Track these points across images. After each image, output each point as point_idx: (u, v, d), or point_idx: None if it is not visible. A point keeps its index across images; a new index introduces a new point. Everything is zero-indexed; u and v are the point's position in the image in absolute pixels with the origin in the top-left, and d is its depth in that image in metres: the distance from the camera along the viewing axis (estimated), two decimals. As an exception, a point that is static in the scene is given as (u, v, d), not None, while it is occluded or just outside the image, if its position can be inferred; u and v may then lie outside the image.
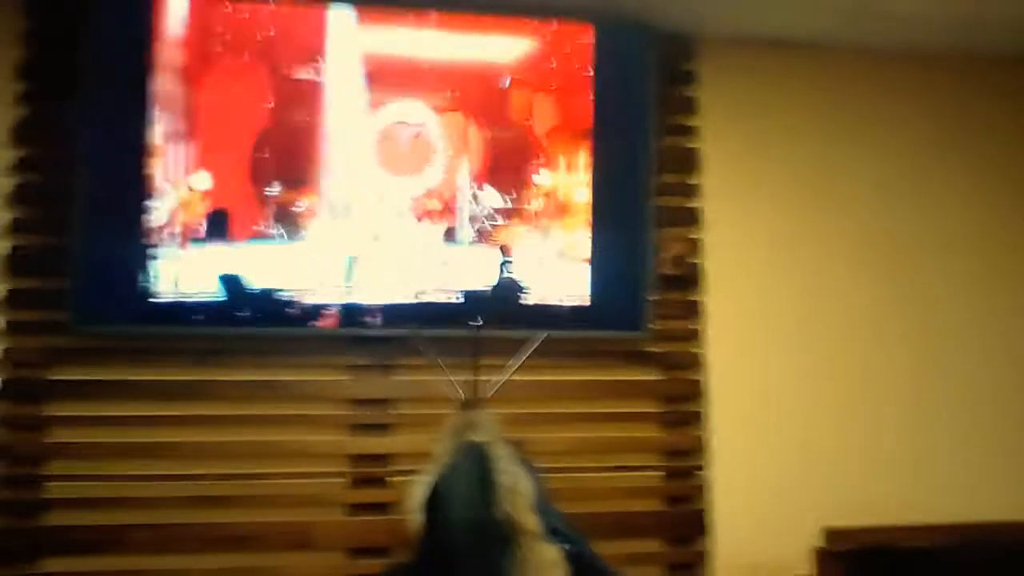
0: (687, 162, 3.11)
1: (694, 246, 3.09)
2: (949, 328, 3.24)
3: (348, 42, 2.83)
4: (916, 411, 3.18)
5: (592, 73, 2.94)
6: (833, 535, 3.02)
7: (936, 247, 3.26)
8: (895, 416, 3.17)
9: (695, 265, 3.08)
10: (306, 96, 2.81)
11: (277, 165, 2.80)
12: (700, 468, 3.03)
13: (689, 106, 3.12)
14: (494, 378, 2.42)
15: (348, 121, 2.84)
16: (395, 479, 2.81)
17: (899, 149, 3.26)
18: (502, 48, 2.92)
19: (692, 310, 3.08)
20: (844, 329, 3.17)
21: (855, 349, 3.17)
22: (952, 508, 3.11)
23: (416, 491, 2.30)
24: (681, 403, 3.05)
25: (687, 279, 3.07)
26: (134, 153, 2.72)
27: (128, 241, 2.71)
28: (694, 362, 3.07)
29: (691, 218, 3.10)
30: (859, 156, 3.23)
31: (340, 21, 2.83)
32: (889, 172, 3.25)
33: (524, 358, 2.42)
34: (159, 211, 2.72)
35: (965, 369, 3.23)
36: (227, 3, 2.77)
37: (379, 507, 2.83)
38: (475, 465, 2.23)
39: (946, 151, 3.29)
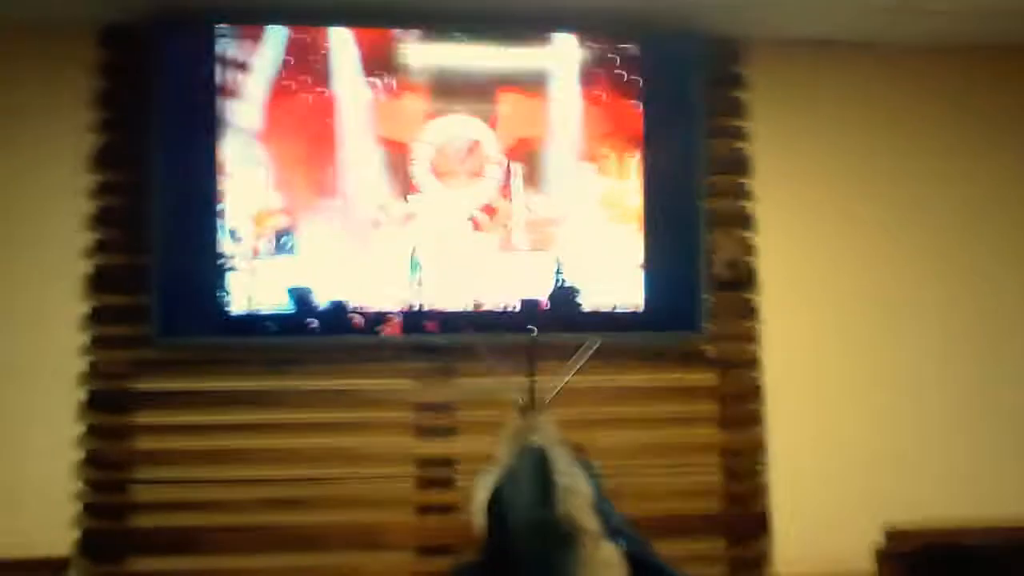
0: (738, 164, 3.14)
1: (747, 247, 3.12)
2: (1011, 322, 3.22)
3: (405, 57, 2.93)
4: (978, 408, 3.17)
5: (641, 79, 3.00)
6: (894, 535, 3.03)
7: (995, 242, 3.24)
8: (957, 413, 3.16)
9: (749, 266, 3.12)
10: (365, 112, 2.93)
11: (340, 180, 2.92)
12: (761, 467, 3.06)
13: (738, 108, 3.16)
14: (553, 382, 2.49)
15: (405, 135, 2.94)
16: (460, 481, 2.91)
17: (951, 145, 3.25)
18: (552, 57, 2.99)
19: (747, 310, 3.11)
20: (901, 326, 3.17)
21: (913, 346, 3.17)
22: (1016, 507, 3.10)
23: (479, 493, 2.38)
24: (739, 403, 3.09)
25: (741, 280, 3.10)
26: (206, 175, 2.85)
27: (203, 258, 2.84)
28: (751, 362, 3.10)
29: (744, 220, 3.13)
30: (909, 152, 3.23)
31: (395, 38, 2.93)
32: (942, 168, 3.24)
33: (580, 363, 2.49)
34: (231, 228, 2.86)
35: (1028, 364, 3.21)
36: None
37: (446, 508, 2.93)
38: (534, 467, 2.30)
39: (998, 144, 3.27)
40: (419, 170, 2.94)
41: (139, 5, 2.83)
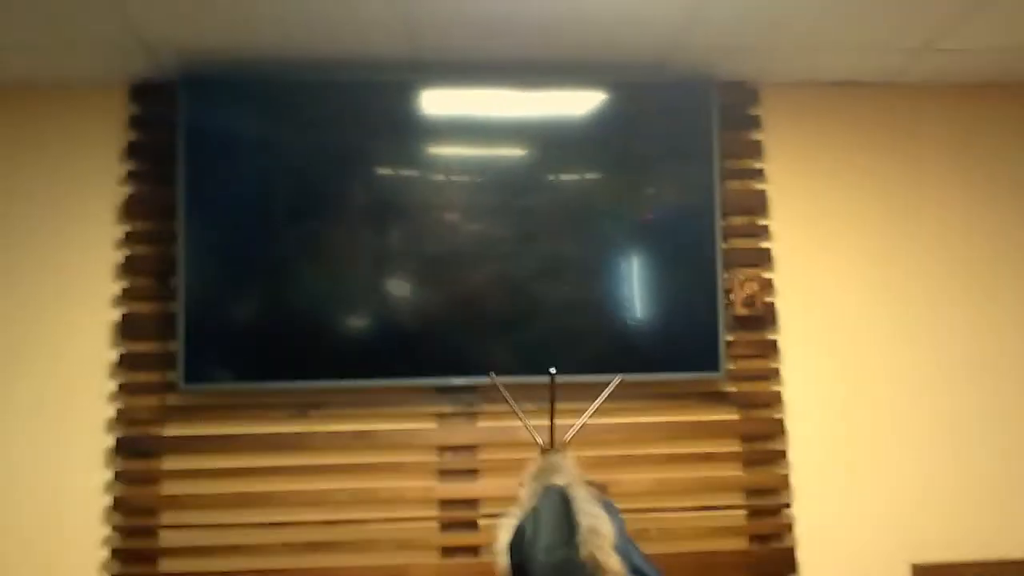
0: (755, 204, 3.17)
1: (766, 286, 3.14)
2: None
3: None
4: (1005, 443, 3.14)
5: (654, 122, 3.06)
6: (922, 572, 3.00)
7: (1018, 277, 3.24)
8: (983, 449, 3.13)
9: (769, 304, 3.13)
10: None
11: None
12: (787, 506, 3.05)
13: (755, 150, 3.19)
14: (573, 422, 2.51)
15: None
16: (484, 522, 2.92)
17: (972, 183, 3.26)
18: (564, 101, 3.06)
19: (768, 349, 3.12)
20: (924, 362, 3.16)
21: (938, 383, 3.16)
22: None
23: (502, 534, 2.40)
24: (762, 442, 3.08)
25: (761, 319, 3.11)
26: (232, 226, 2.94)
27: (228, 305, 2.92)
28: (774, 400, 3.10)
29: (762, 259, 3.15)
30: (929, 189, 3.24)
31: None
32: (962, 206, 3.24)
33: (601, 402, 2.51)
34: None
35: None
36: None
37: (470, 550, 2.94)
38: (557, 507, 2.31)
39: (1021, 181, 3.28)
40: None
41: (168, 62, 2.92)
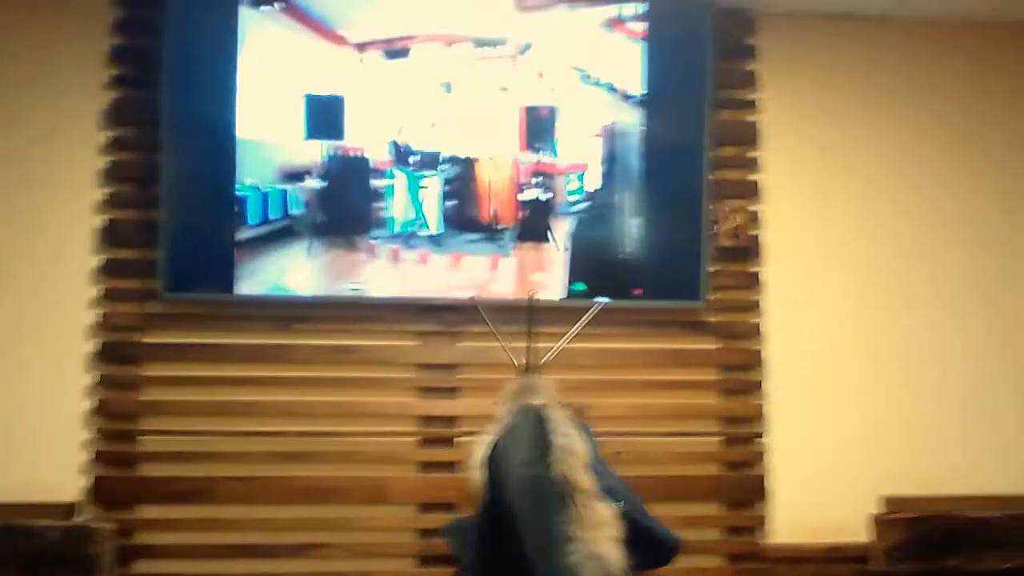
0: (746, 135, 3.15)
1: (753, 218, 3.14)
2: (1014, 296, 3.23)
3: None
4: (977, 380, 3.18)
5: (648, 47, 3.00)
6: (893, 503, 3.06)
7: (1003, 219, 3.24)
8: (955, 385, 3.18)
9: (754, 237, 3.13)
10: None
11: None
12: (760, 435, 3.09)
13: (749, 80, 3.16)
14: (553, 345, 2.53)
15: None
16: (461, 439, 2.96)
17: (962, 121, 3.24)
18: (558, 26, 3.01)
19: (751, 281, 3.13)
20: (903, 298, 3.18)
21: (915, 318, 3.18)
22: (1014, 479, 3.13)
23: (478, 451, 2.43)
24: (739, 371, 3.11)
25: (746, 251, 3.12)
26: (218, 132, 2.89)
27: (212, 214, 2.89)
28: (753, 332, 3.12)
29: (750, 191, 3.14)
30: (921, 126, 3.22)
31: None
32: (956, 142, 3.23)
33: (581, 327, 2.53)
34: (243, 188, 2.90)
35: (1030, 339, 3.22)
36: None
37: (447, 465, 2.98)
38: (532, 426, 2.34)
39: (1014, 118, 3.25)
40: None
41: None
